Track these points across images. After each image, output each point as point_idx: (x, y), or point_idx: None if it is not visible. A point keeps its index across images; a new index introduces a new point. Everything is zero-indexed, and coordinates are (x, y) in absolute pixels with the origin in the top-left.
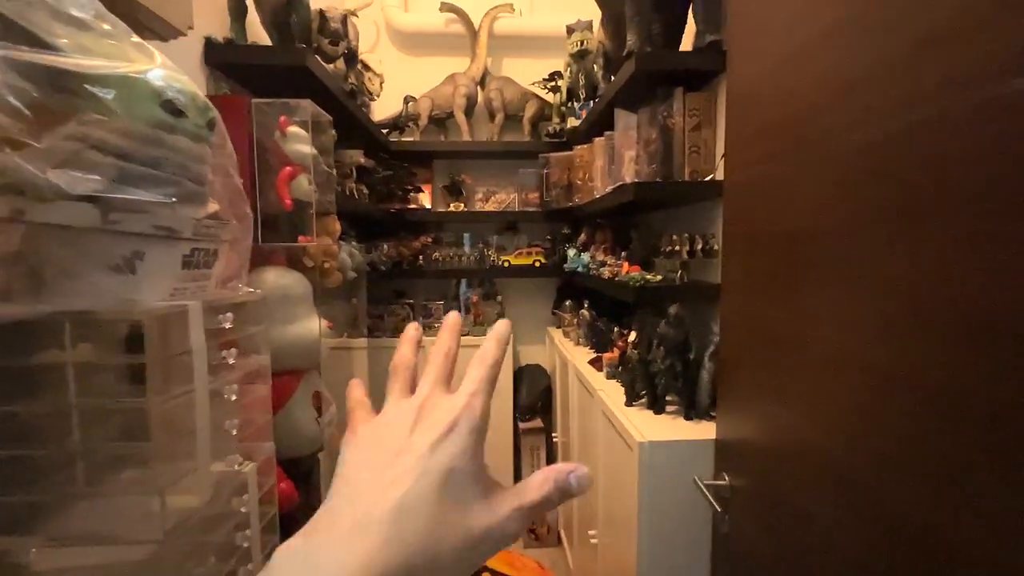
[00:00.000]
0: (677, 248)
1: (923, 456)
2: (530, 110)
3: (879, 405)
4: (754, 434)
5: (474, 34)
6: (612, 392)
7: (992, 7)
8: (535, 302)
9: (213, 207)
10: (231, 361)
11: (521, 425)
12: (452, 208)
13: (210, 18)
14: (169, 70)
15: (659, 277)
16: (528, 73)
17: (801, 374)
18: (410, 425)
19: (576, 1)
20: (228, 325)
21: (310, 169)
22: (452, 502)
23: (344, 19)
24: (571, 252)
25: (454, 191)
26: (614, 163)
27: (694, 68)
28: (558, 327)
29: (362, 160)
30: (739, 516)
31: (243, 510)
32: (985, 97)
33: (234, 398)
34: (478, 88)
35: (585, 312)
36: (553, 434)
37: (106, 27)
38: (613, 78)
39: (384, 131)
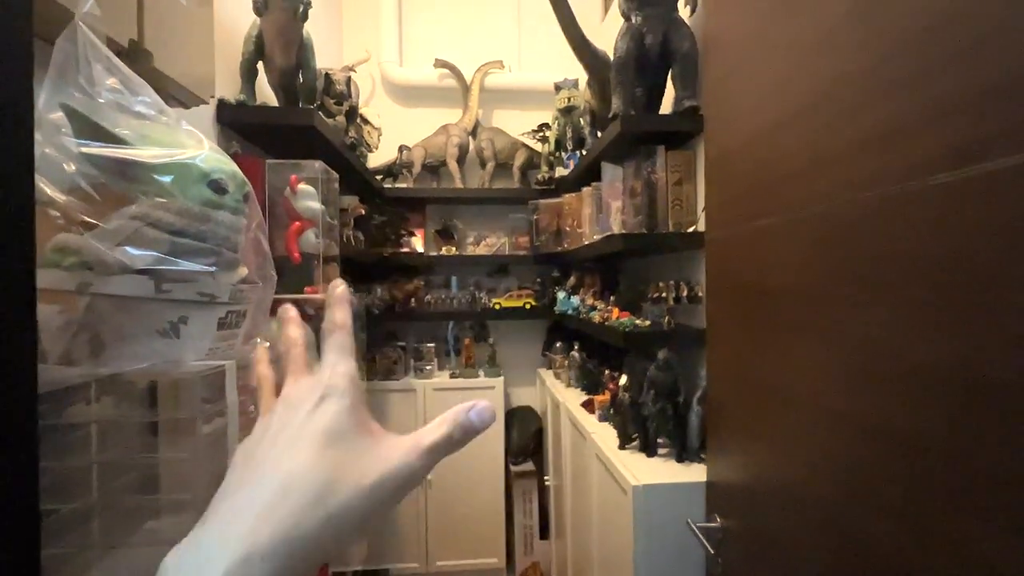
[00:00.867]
0: (663, 295)
1: (891, 496)
2: (520, 159)
3: (851, 449)
4: (743, 476)
5: (466, 88)
6: (605, 435)
7: (949, 106)
8: (526, 344)
9: (244, 271)
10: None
11: (513, 469)
12: (444, 252)
13: (223, 79)
14: (214, 151)
15: (647, 323)
16: (518, 124)
17: (783, 419)
18: (294, 404)
19: (562, 59)
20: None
21: (318, 223)
22: (336, 461)
23: (348, 80)
24: (561, 295)
25: (446, 235)
26: (601, 212)
27: (674, 129)
28: (549, 368)
29: (361, 210)
30: (731, 558)
31: None
32: (923, 186)
33: None
34: (470, 138)
35: (575, 354)
36: (545, 477)
37: (164, 119)
38: (600, 134)
39: (379, 177)
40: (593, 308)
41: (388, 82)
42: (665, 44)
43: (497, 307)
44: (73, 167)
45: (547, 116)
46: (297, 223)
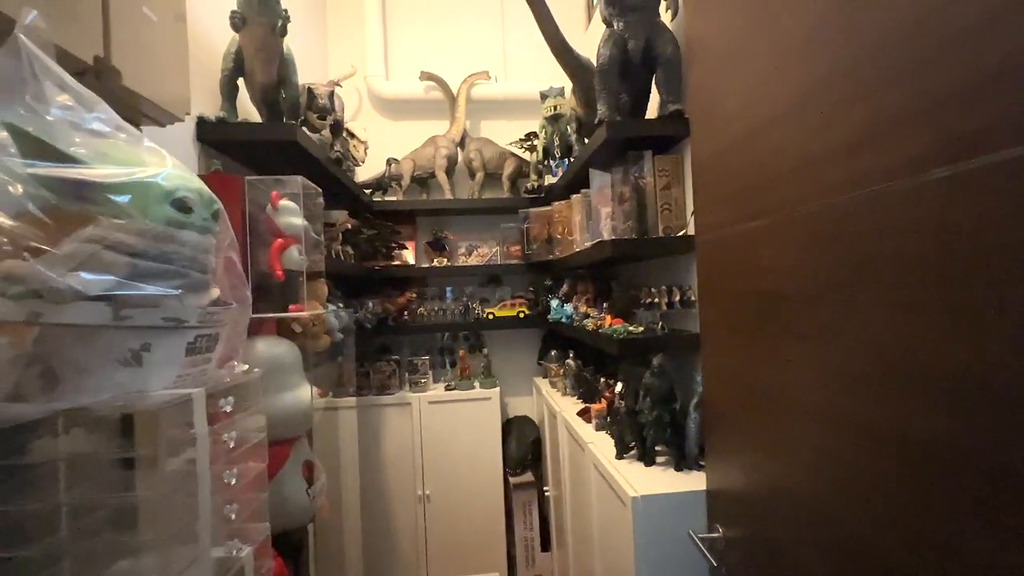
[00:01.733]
0: (656, 300)
1: (885, 499)
2: (508, 168)
3: (843, 451)
4: (743, 484)
5: (453, 99)
6: (602, 444)
7: (917, 109)
8: (521, 353)
9: (215, 293)
10: (231, 444)
11: (512, 480)
12: (436, 263)
13: (203, 97)
14: (178, 169)
15: (641, 328)
16: (505, 134)
17: (781, 424)
18: None
19: (547, 68)
20: (229, 409)
21: (301, 240)
22: None
23: (331, 95)
24: (554, 303)
25: (437, 247)
26: (591, 219)
27: (660, 134)
28: (544, 377)
29: (349, 225)
30: (734, 568)
31: None
32: (915, 183)
33: (234, 482)
34: (458, 149)
35: (571, 362)
36: (545, 488)
37: (122, 136)
38: (587, 141)
39: (368, 191)
40: (587, 316)
41: (375, 96)
42: (648, 49)
43: (490, 317)
44: (20, 189)
45: (534, 125)
46: (280, 240)
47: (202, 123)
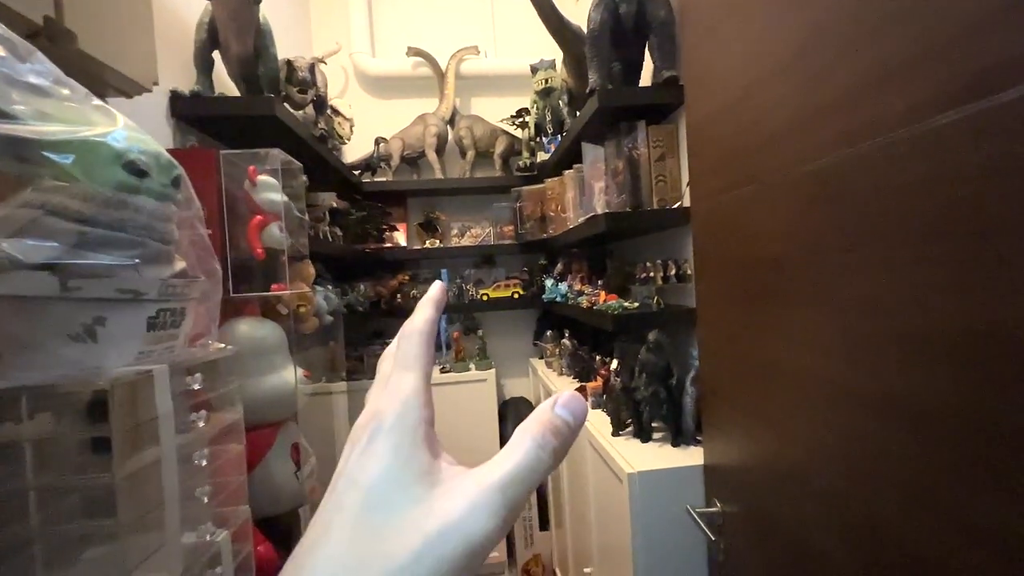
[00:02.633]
0: (651, 275)
1: (891, 469)
2: (500, 146)
3: (847, 421)
4: (740, 458)
5: (441, 76)
6: (598, 422)
7: (921, 52)
8: (516, 334)
9: (180, 265)
10: (201, 424)
11: None
12: (428, 245)
13: (176, 71)
14: (131, 130)
15: (636, 304)
16: (496, 111)
17: (779, 395)
18: (351, 441)
19: (538, 41)
20: (197, 386)
21: (281, 217)
22: (369, 540)
23: (312, 67)
24: (549, 282)
25: (429, 228)
26: (585, 194)
27: (654, 102)
28: (540, 358)
29: (335, 203)
30: (733, 543)
31: None
32: (923, 130)
33: (204, 463)
34: (448, 127)
35: (567, 342)
36: None
37: (65, 92)
38: (578, 113)
39: (356, 172)
40: (581, 293)
41: (361, 74)
42: (640, 13)
43: (485, 298)
44: None
45: (526, 101)
46: (259, 217)
47: (176, 97)
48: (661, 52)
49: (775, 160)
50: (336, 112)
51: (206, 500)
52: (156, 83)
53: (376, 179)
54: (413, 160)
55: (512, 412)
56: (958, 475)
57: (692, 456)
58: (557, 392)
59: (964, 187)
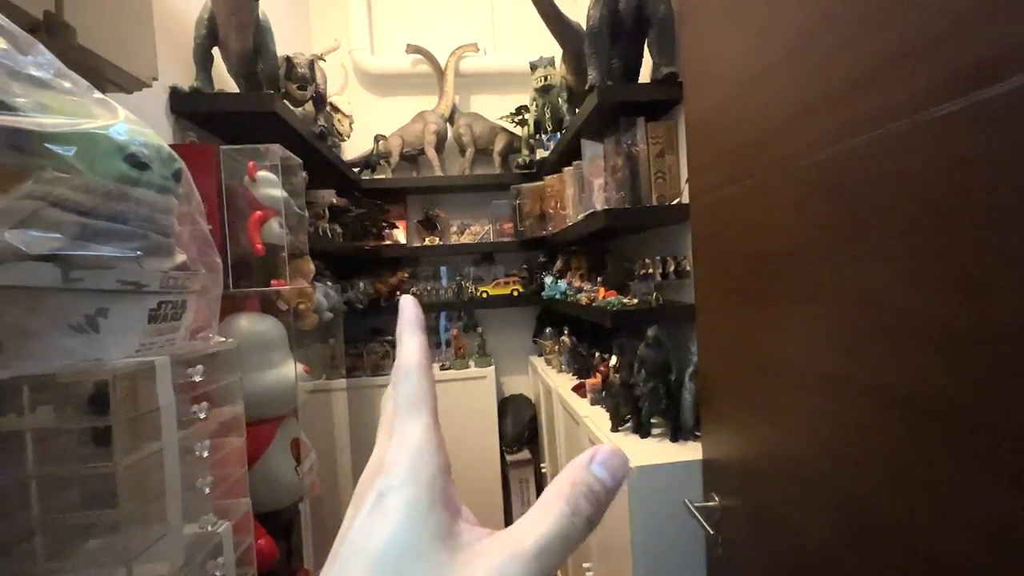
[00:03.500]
0: (650, 271)
1: (887, 462)
2: (499, 143)
3: (846, 415)
4: (738, 452)
5: (441, 73)
6: (597, 418)
7: (924, 41)
8: (516, 332)
9: (180, 257)
10: (202, 416)
11: (508, 457)
12: (427, 242)
13: (176, 68)
14: (133, 123)
15: (635, 301)
16: (495, 108)
17: (776, 389)
18: (356, 500)
19: (537, 38)
20: (199, 378)
21: (281, 212)
22: None
23: (311, 64)
24: (548, 280)
25: (429, 225)
26: (584, 191)
27: (653, 99)
28: (540, 355)
29: (334, 200)
30: (731, 537)
31: (218, 574)
32: (922, 121)
33: (206, 454)
34: (447, 124)
35: (566, 339)
36: (542, 464)
37: (67, 85)
38: (577, 110)
39: (356, 170)
40: (580, 290)
41: (360, 71)
42: (640, 9)
43: (484, 296)
44: None
45: (525, 99)
46: (259, 212)
47: (175, 93)
48: (660, 48)
49: (773, 155)
50: (335, 109)
51: (207, 491)
52: (156, 78)
53: (376, 176)
54: (412, 157)
55: (511, 409)
56: (952, 467)
57: (691, 451)
58: (596, 446)
59: (962, 178)
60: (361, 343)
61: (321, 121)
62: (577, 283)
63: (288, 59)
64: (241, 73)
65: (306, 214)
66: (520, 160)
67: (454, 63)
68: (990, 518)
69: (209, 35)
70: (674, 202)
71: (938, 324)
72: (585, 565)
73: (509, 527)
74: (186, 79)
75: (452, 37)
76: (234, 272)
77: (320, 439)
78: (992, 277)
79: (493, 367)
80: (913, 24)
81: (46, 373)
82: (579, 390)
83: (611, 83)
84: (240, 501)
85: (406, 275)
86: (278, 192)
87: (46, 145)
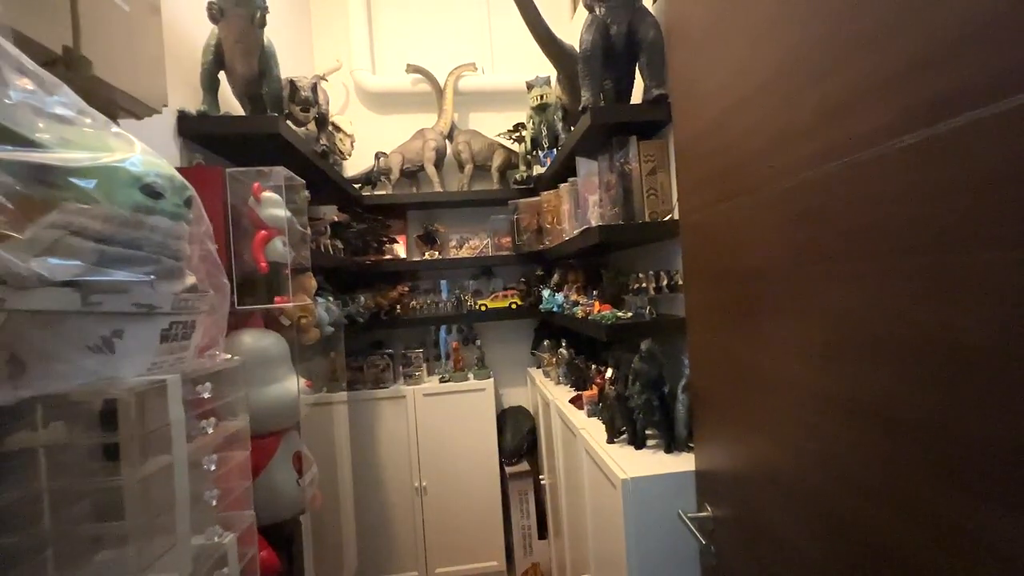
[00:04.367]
0: (644, 285)
1: (868, 473)
2: (497, 160)
3: (827, 426)
4: (730, 463)
5: (440, 92)
6: (594, 430)
7: (885, 78)
8: (514, 344)
9: (191, 280)
10: (210, 431)
11: (508, 469)
12: (427, 256)
13: (183, 91)
14: (148, 155)
15: (629, 314)
16: (493, 125)
17: (766, 402)
18: None
19: (533, 59)
20: (207, 395)
21: (285, 231)
22: None
23: (314, 87)
24: (546, 293)
25: (428, 240)
26: (580, 207)
27: (645, 119)
28: (538, 368)
29: (336, 216)
30: (724, 547)
31: None
32: (885, 151)
33: (212, 468)
34: (446, 141)
35: (564, 351)
36: (541, 477)
37: (88, 120)
38: (572, 129)
39: (357, 186)
40: (577, 304)
41: (361, 90)
42: (631, 34)
43: (483, 309)
44: None
45: (522, 116)
46: (263, 232)
47: (183, 117)
48: (651, 71)
49: (757, 176)
50: (337, 128)
51: (213, 503)
52: (166, 105)
53: (376, 192)
54: (412, 174)
55: (510, 421)
56: (924, 478)
57: (684, 462)
58: None
59: (924, 204)
60: (362, 356)
61: (323, 140)
62: (574, 296)
63: (291, 82)
64: (246, 95)
65: (308, 231)
66: (518, 176)
67: (453, 82)
68: (960, 526)
69: (216, 60)
70: (666, 218)
71: (904, 341)
72: None
73: None
74: (193, 102)
75: (451, 57)
76: (239, 289)
77: (321, 452)
78: (949, 298)
79: (492, 379)
80: (875, 62)
81: (65, 391)
82: (576, 402)
83: (604, 104)
84: (244, 513)
85: (406, 289)
86: (282, 212)
87: (69, 179)
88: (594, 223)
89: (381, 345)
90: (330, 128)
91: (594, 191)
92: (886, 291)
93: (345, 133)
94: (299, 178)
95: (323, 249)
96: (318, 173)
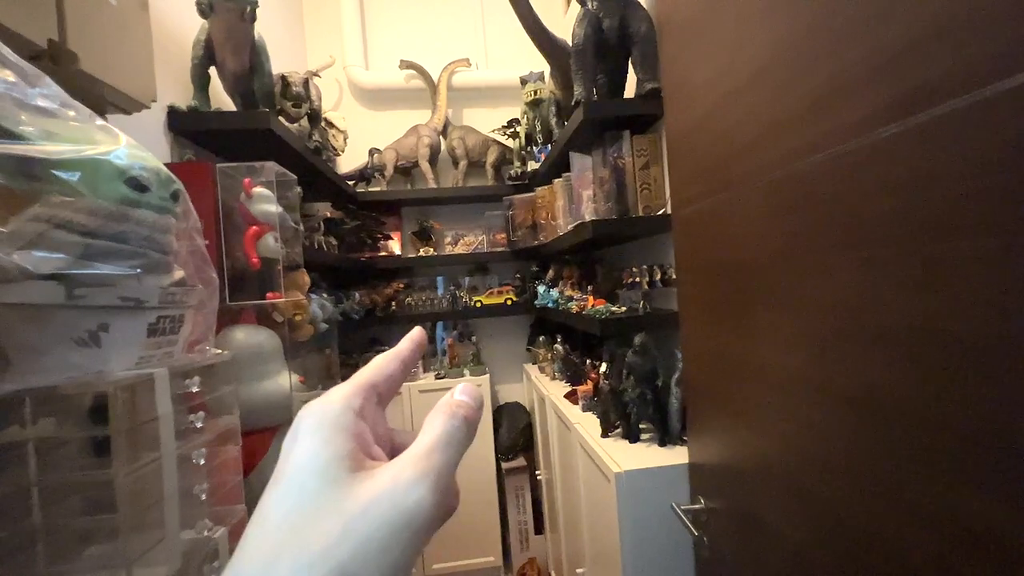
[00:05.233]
0: (638, 279)
1: (859, 463)
2: (492, 155)
3: (817, 417)
4: (723, 456)
5: (434, 88)
6: (589, 424)
7: (868, 68)
8: (510, 340)
9: (178, 274)
10: (199, 425)
11: (504, 465)
12: (422, 253)
13: (173, 87)
14: (133, 148)
15: (623, 308)
16: (488, 121)
17: (756, 394)
18: None
19: (527, 54)
20: (195, 389)
21: (277, 227)
22: (292, 512)
23: (306, 82)
24: (541, 289)
25: (423, 236)
26: (573, 202)
27: (638, 113)
28: (534, 363)
29: (330, 213)
30: (716, 539)
31: None
32: (872, 141)
33: (202, 462)
34: (440, 137)
35: (559, 347)
36: (537, 472)
37: (71, 113)
38: (566, 124)
39: (351, 183)
40: (571, 299)
41: (355, 86)
42: (623, 28)
43: (478, 305)
44: None
45: (516, 112)
46: (254, 227)
47: (173, 113)
48: (643, 65)
49: (746, 168)
50: (330, 124)
51: (203, 498)
52: (155, 100)
53: (370, 189)
54: (407, 170)
55: (506, 417)
56: (909, 465)
57: (678, 455)
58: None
59: (911, 193)
60: (356, 353)
61: (316, 136)
62: (568, 292)
63: (283, 77)
64: (237, 91)
65: (301, 228)
66: (512, 172)
67: (447, 78)
68: (949, 515)
69: (206, 56)
70: (659, 212)
71: (891, 330)
72: (579, 570)
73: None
74: (183, 98)
75: (444, 53)
76: (231, 285)
77: None
78: (934, 288)
79: (488, 375)
80: (858, 53)
81: (50, 386)
82: (571, 397)
83: (596, 99)
84: (236, 508)
85: (401, 286)
86: (273, 207)
87: (52, 171)
88: (588, 218)
89: (376, 342)
90: (323, 124)
91: (588, 186)
92: (875, 281)
93: (338, 129)
94: (291, 174)
95: (317, 246)
96: (311, 169)
